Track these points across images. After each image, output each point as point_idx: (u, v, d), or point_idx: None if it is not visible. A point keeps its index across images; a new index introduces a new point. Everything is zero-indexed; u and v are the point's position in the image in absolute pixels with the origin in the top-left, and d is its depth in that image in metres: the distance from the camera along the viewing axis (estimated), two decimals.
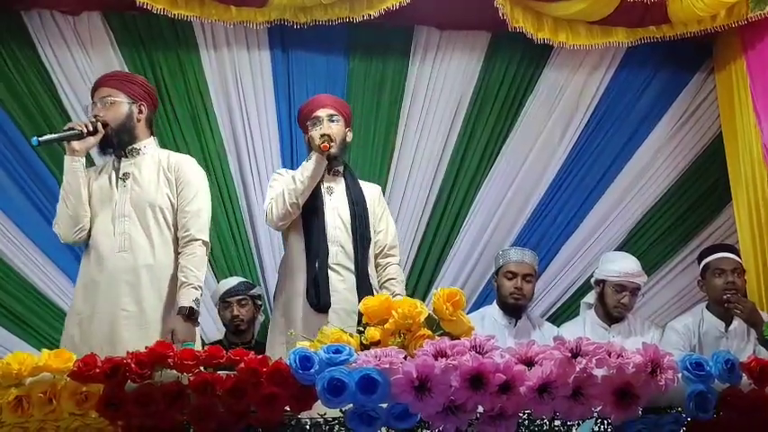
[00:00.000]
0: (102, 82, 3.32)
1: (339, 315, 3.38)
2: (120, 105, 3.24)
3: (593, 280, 4.20)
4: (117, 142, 3.23)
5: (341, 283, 3.46)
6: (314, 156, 3.47)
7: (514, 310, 4.05)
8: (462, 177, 4.71)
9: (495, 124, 4.76)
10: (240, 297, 4.11)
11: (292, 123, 4.54)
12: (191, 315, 3.09)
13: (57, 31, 4.34)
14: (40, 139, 3.08)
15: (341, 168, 3.67)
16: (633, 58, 4.85)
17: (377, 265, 3.67)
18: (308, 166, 3.46)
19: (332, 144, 3.46)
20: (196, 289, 3.14)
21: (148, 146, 3.31)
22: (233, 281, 4.20)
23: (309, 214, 3.51)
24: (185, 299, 3.11)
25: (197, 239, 3.23)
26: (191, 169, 3.34)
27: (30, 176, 4.22)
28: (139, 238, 3.17)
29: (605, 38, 4.62)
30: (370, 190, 3.73)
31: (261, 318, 4.28)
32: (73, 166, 3.14)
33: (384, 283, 3.64)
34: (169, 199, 3.24)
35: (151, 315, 3.11)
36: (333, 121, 3.58)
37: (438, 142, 4.69)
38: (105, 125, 3.19)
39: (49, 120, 4.28)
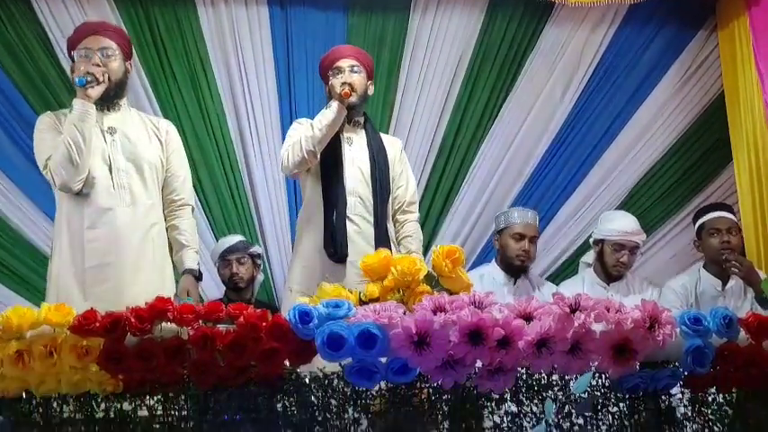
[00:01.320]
0: (100, 31, 3.23)
1: (356, 267, 3.32)
2: (118, 60, 3.19)
3: (591, 239, 4.20)
4: (107, 96, 3.16)
5: (358, 235, 3.41)
6: (333, 104, 3.37)
7: (517, 270, 4.05)
8: (463, 135, 4.68)
9: (496, 81, 4.72)
10: (239, 255, 4.11)
11: (291, 80, 4.52)
12: (199, 277, 3.19)
13: None
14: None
15: (361, 119, 3.59)
16: (636, 14, 4.79)
17: (395, 222, 3.61)
18: (327, 114, 3.37)
19: (353, 92, 3.38)
20: (197, 252, 3.26)
21: (125, 103, 3.30)
22: (232, 239, 4.20)
23: (328, 164, 3.44)
24: (191, 261, 3.20)
25: (189, 204, 3.32)
26: (177, 134, 3.38)
27: (26, 133, 4.17)
28: (141, 194, 3.16)
29: None
30: (391, 144, 3.66)
31: (260, 277, 4.29)
32: (88, 111, 3.04)
33: (401, 240, 3.60)
34: (160, 160, 3.25)
35: (160, 272, 3.15)
36: (354, 72, 3.49)
37: (438, 99, 4.66)
38: (109, 77, 3.13)
39: (44, 75, 4.24)
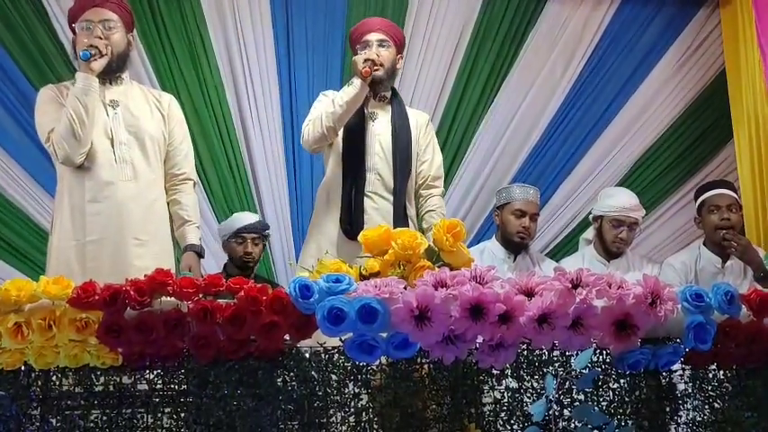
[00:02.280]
0: (102, 3, 3.15)
1: None
2: (120, 32, 3.14)
3: (591, 216, 4.19)
4: (109, 69, 3.11)
5: (375, 212, 3.34)
6: (355, 80, 3.26)
7: (518, 247, 4.04)
8: (463, 111, 4.67)
9: (497, 58, 4.71)
10: (256, 235, 4.08)
11: (291, 57, 4.49)
12: (202, 253, 3.18)
13: None
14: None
15: (388, 94, 3.50)
16: None
17: (419, 196, 3.53)
18: (348, 91, 3.27)
19: (375, 69, 3.27)
20: (199, 228, 3.24)
21: (126, 76, 3.26)
22: (250, 217, 4.14)
23: (350, 139, 3.36)
24: (194, 237, 3.19)
25: (191, 179, 3.29)
26: (179, 108, 3.34)
27: (25, 107, 4.16)
28: (144, 168, 3.13)
29: None
30: (417, 118, 3.56)
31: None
32: (91, 84, 3.00)
33: (423, 214, 3.52)
34: (162, 134, 3.22)
35: (163, 246, 3.13)
36: (382, 47, 3.39)
37: (439, 75, 4.64)
38: (111, 50, 3.09)
39: (44, 52, 4.22)
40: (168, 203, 3.23)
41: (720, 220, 3.88)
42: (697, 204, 4.06)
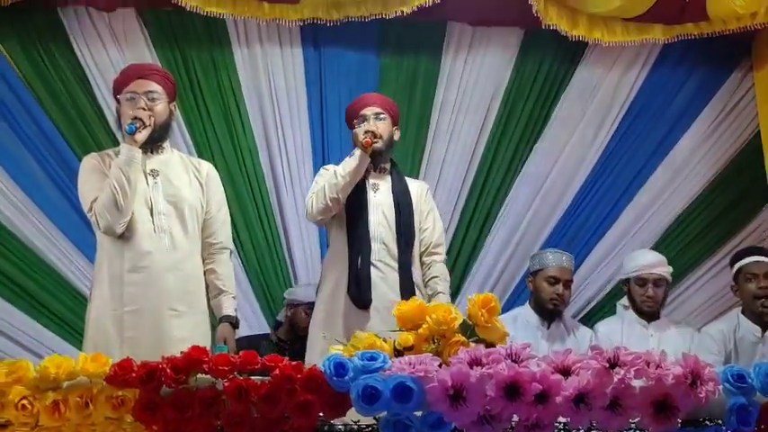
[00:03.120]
0: (147, 74, 3.25)
1: (380, 313, 3.35)
2: (163, 103, 3.21)
3: (622, 281, 4.18)
4: (151, 139, 3.17)
5: (382, 281, 3.42)
6: (357, 152, 3.41)
7: (551, 314, 4.02)
8: (494, 175, 4.68)
9: (528, 122, 4.72)
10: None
11: (324, 120, 4.54)
12: (237, 324, 3.20)
13: (92, 28, 4.37)
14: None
15: (387, 166, 3.62)
16: (669, 55, 4.80)
17: (422, 264, 3.61)
18: (350, 162, 3.41)
19: (375, 141, 3.40)
20: (234, 298, 3.28)
21: (167, 145, 3.31)
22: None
23: (353, 210, 3.47)
24: (229, 308, 3.23)
25: (228, 248, 3.34)
26: (217, 177, 3.40)
27: (65, 173, 4.24)
28: (182, 238, 3.16)
29: (641, 35, 4.58)
30: (416, 187, 3.68)
31: None
32: (134, 156, 3.06)
33: (428, 281, 3.59)
34: (200, 202, 3.26)
35: (199, 316, 3.16)
36: (379, 120, 3.53)
37: (470, 139, 4.67)
38: (154, 120, 3.15)
39: (83, 115, 4.31)
40: (205, 272, 3.25)
41: (758, 289, 3.84)
42: (733, 271, 4.02)
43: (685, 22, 4.52)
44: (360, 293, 3.37)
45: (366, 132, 3.40)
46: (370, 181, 3.55)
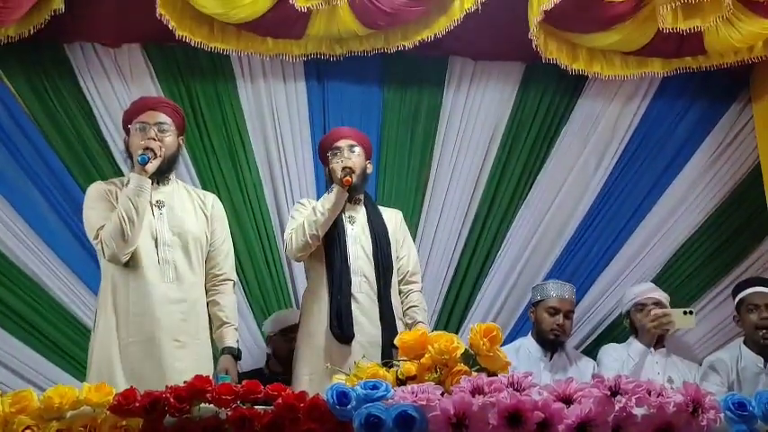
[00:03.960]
0: (157, 106, 3.33)
1: (363, 346, 3.38)
2: (173, 135, 3.29)
3: (623, 316, 4.24)
4: (159, 170, 3.23)
5: (364, 315, 3.46)
6: (335, 188, 3.50)
7: (552, 344, 4.04)
8: (496, 208, 4.69)
9: (530, 155, 4.75)
10: None
11: None
12: (239, 355, 3.23)
13: (98, 63, 4.42)
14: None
15: (361, 197, 3.71)
16: (668, 88, 4.83)
17: (399, 292, 3.66)
18: (329, 198, 3.49)
19: (352, 176, 3.48)
20: (237, 330, 3.32)
21: (173, 176, 3.38)
22: (296, 315, 4.15)
23: (331, 245, 3.52)
24: (231, 339, 3.26)
25: (231, 279, 3.39)
26: (222, 209, 3.47)
27: (69, 204, 4.27)
28: (186, 270, 3.21)
29: (640, 68, 4.62)
30: (391, 216, 3.75)
31: None
32: (144, 186, 3.12)
33: (406, 310, 3.64)
34: (205, 234, 3.31)
35: (202, 347, 3.19)
36: (353, 152, 3.62)
37: (472, 172, 4.69)
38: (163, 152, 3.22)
39: (88, 149, 4.34)
40: (207, 303, 3.28)
41: (760, 320, 3.86)
42: (735, 302, 4.03)
43: (683, 55, 4.56)
44: (342, 330, 3.39)
45: (344, 169, 3.48)
46: (346, 213, 3.61)
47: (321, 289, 3.51)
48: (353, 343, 3.39)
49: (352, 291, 3.47)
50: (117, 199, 3.19)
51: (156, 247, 3.17)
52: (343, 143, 3.64)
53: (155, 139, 3.18)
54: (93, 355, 3.13)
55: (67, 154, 4.34)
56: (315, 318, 3.49)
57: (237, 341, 3.30)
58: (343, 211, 3.57)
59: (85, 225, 3.24)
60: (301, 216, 3.55)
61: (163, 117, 3.28)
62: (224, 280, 3.35)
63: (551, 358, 4.04)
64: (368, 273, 3.53)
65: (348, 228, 3.59)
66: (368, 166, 3.72)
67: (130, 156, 3.28)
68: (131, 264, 3.12)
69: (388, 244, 3.62)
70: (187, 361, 3.06)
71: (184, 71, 4.51)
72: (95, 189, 3.28)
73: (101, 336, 3.12)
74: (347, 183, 3.45)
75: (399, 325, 3.53)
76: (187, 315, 3.17)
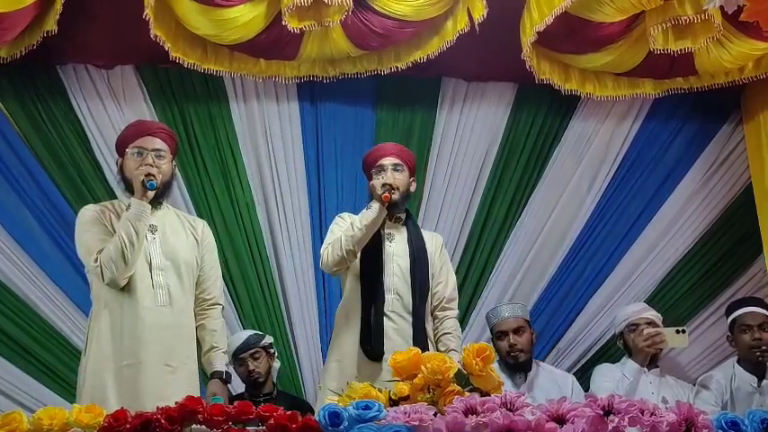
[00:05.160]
0: (155, 132, 3.34)
1: None
2: (168, 161, 3.31)
3: (617, 337, 4.24)
4: (155, 195, 3.25)
5: (396, 332, 3.42)
6: (374, 204, 3.42)
7: (517, 367, 4.00)
8: (489, 228, 4.70)
9: (523, 175, 4.77)
10: (252, 350, 4.03)
11: (320, 175, 4.58)
12: (228, 379, 3.25)
13: (91, 85, 4.41)
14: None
15: (403, 216, 3.65)
16: (660, 108, 4.87)
17: (434, 318, 3.61)
18: (367, 215, 3.42)
19: (393, 193, 3.42)
20: (225, 353, 3.36)
21: (165, 202, 3.40)
22: (242, 335, 4.11)
23: (367, 260, 3.48)
24: (220, 364, 3.29)
25: (220, 304, 3.42)
26: (212, 235, 3.50)
27: (61, 226, 4.25)
28: (178, 294, 3.22)
29: (632, 89, 4.66)
30: (431, 239, 3.69)
31: (276, 364, 4.20)
32: (144, 211, 3.14)
33: (440, 336, 3.58)
34: (195, 259, 3.34)
35: (191, 370, 3.21)
36: (397, 171, 3.56)
37: (465, 193, 4.70)
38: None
39: (80, 171, 4.33)
40: (197, 327, 3.30)
41: (753, 341, 3.86)
42: (729, 322, 4.03)
43: (675, 76, 4.60)
44: (373, 346, 3.36)
45: (384, 185, 3.42)
46: (385, 231, 3.55)
47: (355, 304, 3.48)
48: (384, 360, 3.32)
49: (385, 308, 3.43)
50: (110, 222, 3.21)
51: (150, 271, 3.18)
52: (387, 161, 3.57)
53: (152, 165, 3.20)
54: (87, 377, 3.11)
55: (59, 175, 4.32)
56: (346, 333, 3.47)
57: (226, 365, 3.32)
58: (382, 228, 3.52)
59: (80, 248, 3.24)
60: (340, 230, 3.50)
61: (159, 143, 3.30)
62: (213, 304, 3.37)
63: (526, 379, 4.02)
64: (402, 292, 3.48)
65: (386, 245, 3.53)
66: (412, 184, 3.66)
67: (123, 178, 3.30)
68: (126, 288, 3.13)
69: (426, 265, 3.55)
70: (177, 385, 3.05)
71: (178, 92, 4.51)
72: (89, 212, 3.28)
73: (94, 359, 3.12)
74: (386, 199, 3.38)
75: (431, 347, 3.47)
76: (179, 339, 3.19)
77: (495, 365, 4.02)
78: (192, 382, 3.18)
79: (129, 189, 3.26)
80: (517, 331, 4.00)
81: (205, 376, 3.33)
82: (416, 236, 3.60)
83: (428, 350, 3.33)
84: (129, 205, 3.17)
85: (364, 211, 3.47)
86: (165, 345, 3.12)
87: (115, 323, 3.12)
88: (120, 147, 3.36)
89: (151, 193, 3.15)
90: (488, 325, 4.19)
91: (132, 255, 3.07)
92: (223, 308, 3.44)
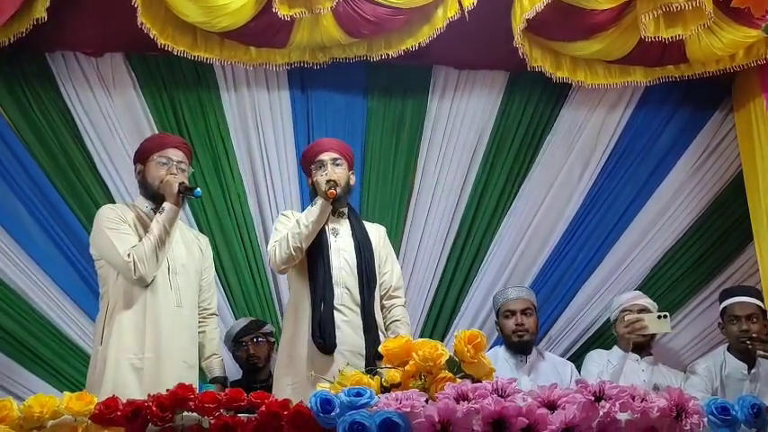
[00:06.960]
0: (178, 144, 3.58)
1: (345, 356, 3.38)
2: (186, 173, 3.51)
3: (611, 323, 4.25)
4: None
5: (346, 325, 3.46)
6: (319, 201, 3.49)
7: (521, 346, 4.03)
8: (481, 216, 4.70)
9: (514, 163, 4.76)
10: (253, 335, 4.09)
11: None
12: (226, 384, 3.53)
13: (80, 73, 4.39)
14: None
15: (345, 210, 3.70)
16: (652, 96, 4.87)
17: (382, 307, 3.67)
18: (313, 211, 3.48)
19: (337, 189, 3.48)
20: (222, 359, 3.65)
21: None
22: (244, 321, 4.18)
23: (314, 256, 3.53)
24: (220, 369, 3.58)
25: (217, 314, 3.72)
26: (211, 251, 3.75)
27: (53, 217, 4.24)
28: (189, 297, 3.44)
29: (623, 77, 4.66)
30: (375, 231, 3.76)
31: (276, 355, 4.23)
32: (176, 216, 3.36)
33: (389, 324, 3.65)
34: (200, 269, 3.59)
35: (196, 372, 3.44)
36: (337, 165, 3.61)
37: (457, 181, 4.70)
38: None
39: (71, 160, 4.31)
40: (198, 332, 3.54)
41: (740, 332, 3.87)
42: (720, 310, 4.05)
43: (666, 64, 4.59)
44: (325, 339, 3.40)
45: (328, 182, 3.48)
46: (330, 225, 3.62)
47: (304, 300, 3.51)
48: (336, 353, 3.39)
49: (335, 302, 3.47)
50: (133, 222, 3.40)
51: (168, 273, 3.37)
52: (326, 156, 3.63)
53: (174, 174, 3.42)
54: (107, 367, 3.20)
55: (49, 163, 4.30)
56: (297, 327, 3.50)
57: (224, 370, 3.62)
58: (327, 223, 3.57)
59: (104, 243, 3.35)
60: (285, 228, 3.55)
61: (182, 156, 3.52)
62: (212, 314, 3.65)
63: (526, 361, 4.04)
64: (350, 285, 3.53)
65: (331, 240, 3.59)
66: (351, 177, 3.72)
67: (142, 183, 3.50)
68: (149, 286, 3.30)
69: (372, 256, 3.62)
70: (194, 381, 3.28)
71: (167, 80, 4.49)
72: (111, 212, 3.43)
73: (114, 350, 3.23)
74: (331, 195, 3.44)
75: (381, 336, 3.51)
76: (191, 341, 3.43)
77: (500, 348, 4.06)
78: (195, 381, 3.36)
79: (146, 193, 3.48)
80: (524, 312, 4.03)
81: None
82: (360, 229, 3.67)
83: (379, 339, 3.40)
84: (162, 208, 3.34)
85: (309, 207, 3.54)
86: (182, 343, 3.35)
87: (138, 319, 3.27)
88: (144, 154, 3.53)
89: (180, 201, 3.36)
90: (494, 307, 4.19)
91: (163, 255, 3.30)
92: (218, 317, 3.75)
